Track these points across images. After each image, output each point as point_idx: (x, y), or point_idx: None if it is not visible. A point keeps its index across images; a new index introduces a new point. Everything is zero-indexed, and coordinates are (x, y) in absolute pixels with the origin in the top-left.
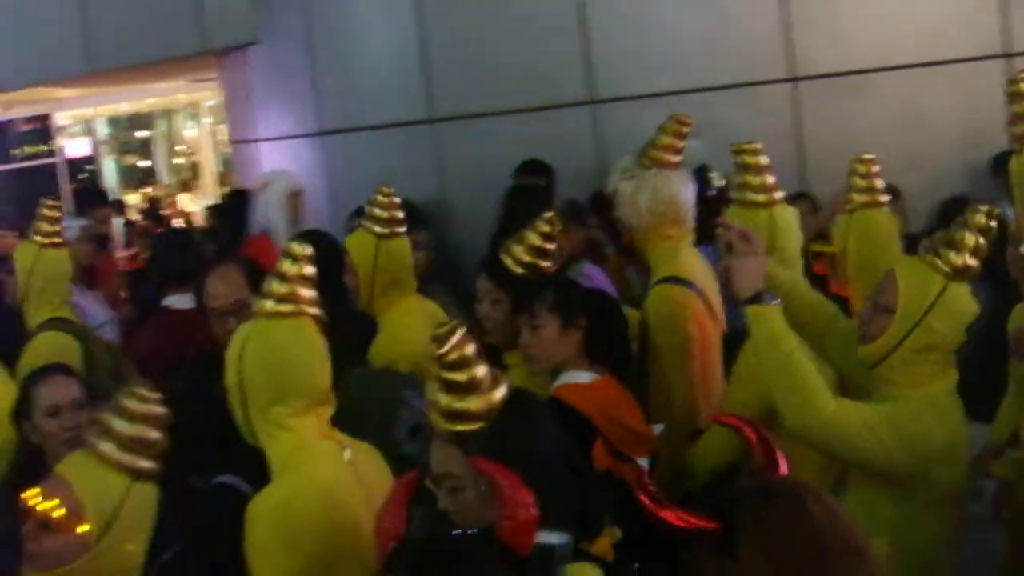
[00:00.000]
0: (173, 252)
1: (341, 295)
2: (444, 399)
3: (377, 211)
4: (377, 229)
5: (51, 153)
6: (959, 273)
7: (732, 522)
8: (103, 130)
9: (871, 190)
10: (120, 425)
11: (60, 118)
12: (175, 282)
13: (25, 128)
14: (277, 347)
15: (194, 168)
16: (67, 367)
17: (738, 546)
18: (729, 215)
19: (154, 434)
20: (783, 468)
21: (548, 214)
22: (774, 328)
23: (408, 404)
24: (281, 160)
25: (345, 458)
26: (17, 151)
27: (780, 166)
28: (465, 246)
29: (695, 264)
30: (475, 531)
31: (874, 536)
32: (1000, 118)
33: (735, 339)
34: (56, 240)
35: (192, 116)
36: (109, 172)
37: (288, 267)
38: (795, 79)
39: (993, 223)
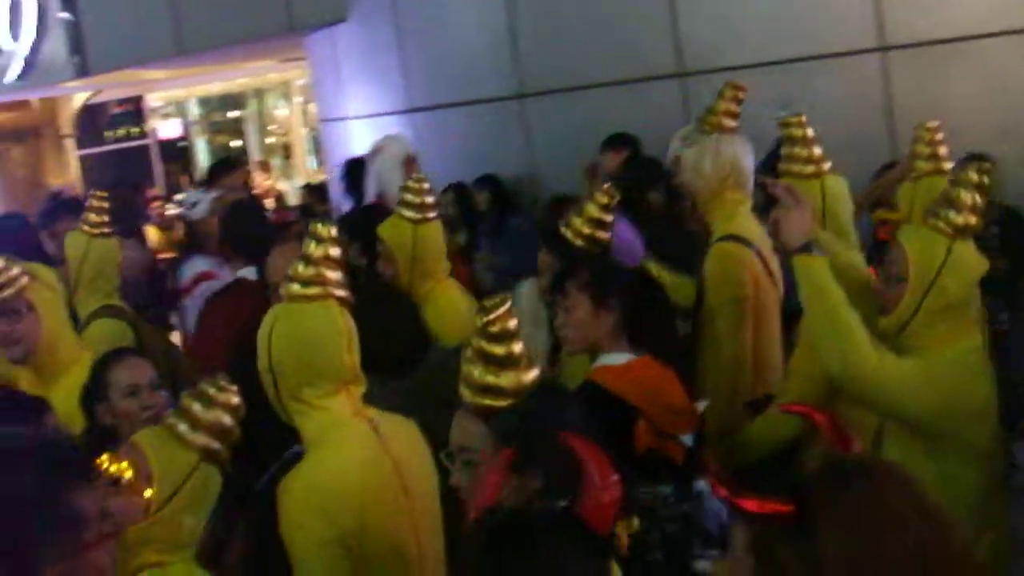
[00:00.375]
0: (244, 224)
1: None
2: (478, 371)
3: (409, 196)
4: (410, 215)
5: (143, 135)
6: (961, 232)
7: (807, 504)
8: (195, 111)
9: (935, 157)
10: (197, 408)
11: (152, 100)
12: (247, 254)
13: (117, 110)
14: (304, 330)
15: (286, 148)
16: (135, 350)
17: (814, 528)
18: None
19: (228, 421)
20: (856, 447)
21: (607, 186)
22: (821, 279)
23: None
24: (370, 138)
25: (376, 434)
26: (110, 133)
27: (870, 137)
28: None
29: (755, 227)
30: (558, 507)
31: None
32: None
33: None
34: (104, 230)
35: (283, 96)
36: (201, 153)
37: (314, 249)
38: (885, 48)
39: (985, 178)
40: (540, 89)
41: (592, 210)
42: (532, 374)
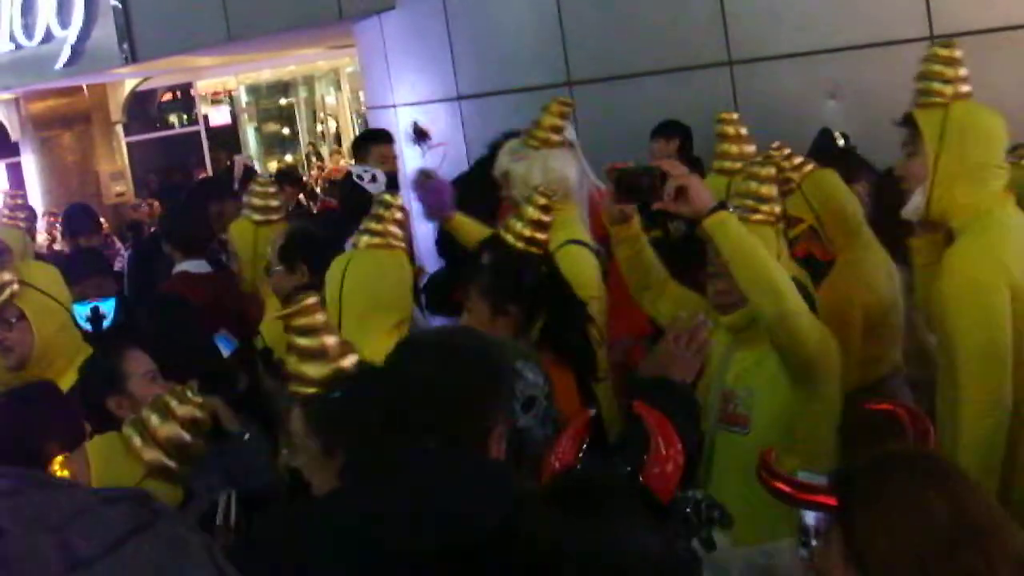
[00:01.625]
0: (185, 221)
1: None
2: (291, 361)
3: (255, 200)
4: (256, 217)
5: (193, 122)
6: (778, 218)
7: (849, 497)
8: (244, 98)
9: None
10: (154, 420)
11: (202, 87)
12: (186, 249)
13: (167, 97)
14: (379, 270)
15: (336, 135)
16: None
17: (853, 521)
18: (707, 182)
19: (186, 436)
20: (931, 440)
21: (542, 187)
22: (740, 230)
23: (521, 376)
24: (420, 123)
25: None
26: (160, 121)
27: None
28: None
29: (586, 232)
30: (623, 473)
31: None
32: None
33: None
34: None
35: (333, 83)
36: (250, 140)
37: (383, 211)
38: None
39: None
40: (587, 77)
41: (531, 212)
42: (347, 363)
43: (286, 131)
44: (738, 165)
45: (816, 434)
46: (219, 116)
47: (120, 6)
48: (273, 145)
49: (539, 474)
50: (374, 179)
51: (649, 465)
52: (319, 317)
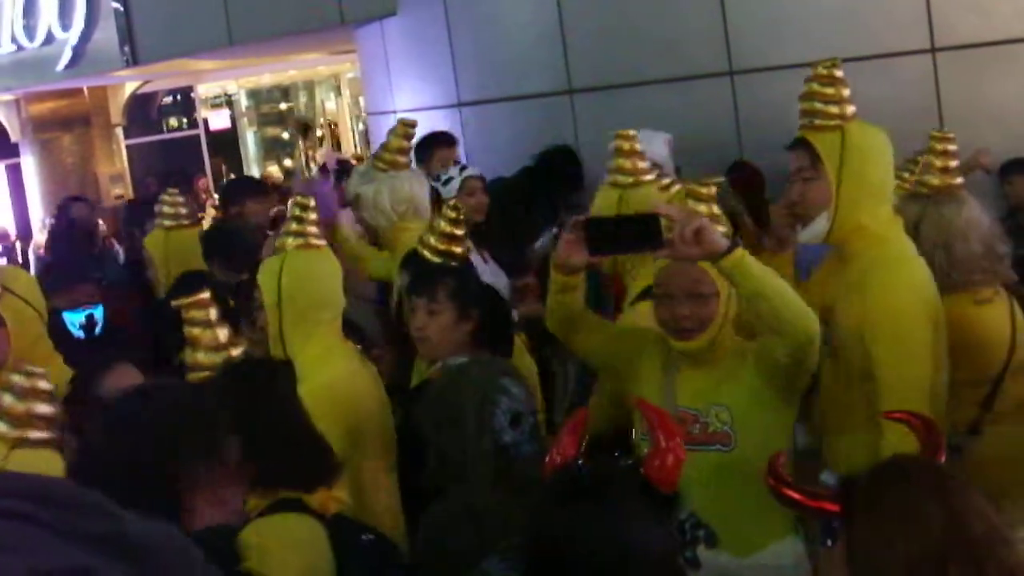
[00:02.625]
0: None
1: None
2: (188, 351)
3: (166, 208)
4: (166, 223)
5: (193, 125)
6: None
7: (850, 504)
8: (244, 102)
9: (946, 171)
10: (7, 400)
11: (203, 91)
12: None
13: (168, 101)
14: (312, 268)
15: (335, 140)
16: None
17: (853, 528)
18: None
19: (45, 408)
20: (940, 457)
21: (453, 200)
22: (758, 265)
23: (507, 391)
24: (419, 131)
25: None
26: (160, 123)
27: (919, 138)
28: None
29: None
30: (626, 466)
31: None
32: None
33: None
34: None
35: (333, 88)
36: (250, 144)
37: (301, 213)
38: (934, 50)
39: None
40: (589, 85)
41: (443, 226)
42: (236, 352)
43: (285, 135)
44: (630, 180)
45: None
46: (219, 120)
47: (121, 9)
48: (272, 149)
49: (528, 490)
50: (446, 183)
51: (650, 458)
52: (212, 311)
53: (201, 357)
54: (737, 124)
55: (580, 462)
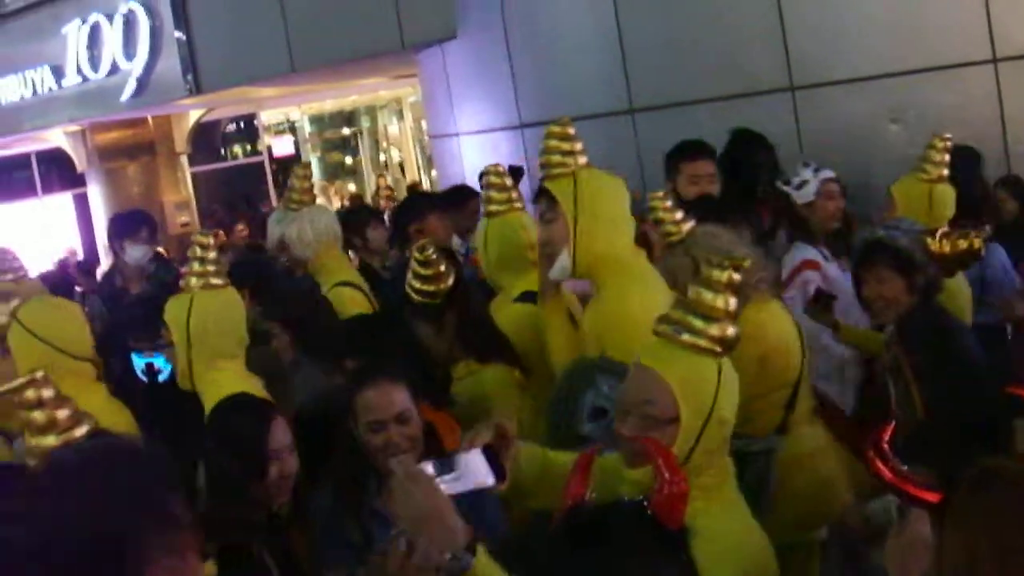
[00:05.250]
0: None
1: None
2: (27, 436)
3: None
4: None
5: (256, 152)
6: (728, 345)
7: (951, 500)
8: (307, 128)
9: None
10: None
11: (266, 118)
12: None
13: (232, 128)
14: (220, 309)
15: (400, 164)
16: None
17: (945, 525)
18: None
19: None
20: None
21: (423, 241)
22: None
23: (597, 387)
24: (481, 154)
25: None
26: (224, 151)
27: (983, 149)
28: None
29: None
30: (634, 503)
31: None
32: None
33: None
34: None
35: (395, 112)
36: (314, 169)
37: (200, 252)
38: (996, 60)
39: (737, 275)
40: (650, 104)
41: (417, 268)
42: (79, 432)
43: (349, 160)
44: (504, 208)
45: None
46: (282, 146)
47: (184, 38)
48: (336, 175)
49: None
50: (800, 187)
51: (656, 494)
52: (46, 392)
53: (42, 441)
54: (799, 139)
55: (587, 502)
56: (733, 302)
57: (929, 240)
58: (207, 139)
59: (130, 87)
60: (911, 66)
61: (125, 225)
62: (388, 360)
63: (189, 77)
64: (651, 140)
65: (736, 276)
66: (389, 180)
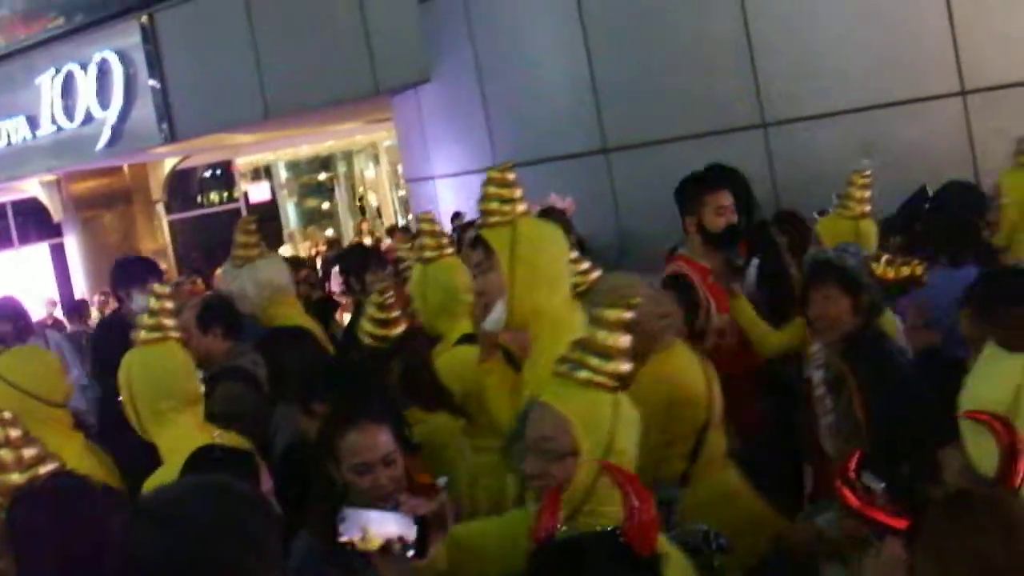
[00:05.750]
0: None
1: None
2: None
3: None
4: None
5: (233, 199)
6: (623, 381)
7: (919, 526)
8: (283, 174)
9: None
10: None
11: (241, 165)
12: None
13: (207, 175)
14: (152, 364)
15: (376, 208)
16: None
17: (915, 551)
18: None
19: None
20: (1015, 483)
21: (382, 285)
22: None
23: None
24: (456, 196)
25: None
26: (201, 198)
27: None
28: (641, 273)
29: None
30: (605, 532)
31: None
32: None
33: None
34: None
35: (371, 157)
36: (290, 215)
37: (155, 304)
38: (965, 92)
39: (628, 314)
40: (624, 143)
41: (372, 311)
42: (44, 470)
43: (326, 205)
44: (436, 254)
45: None
46: (259, 192)
47: (159, 86)
48: (313, 220)
49: None
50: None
51: (627, 522)
52: (13, 432)
53: (8, 478)
54: (772, 174)
55: (559, 533)
56: (626, 340)
57: (874, 264)
58: (183, 186)
59: (105, 136)
60: (881, 100)
61: (135, 273)
62: (372, 400)
63: (164, 125)
64: (625, 179)
65: (627, 315)
66: (375, 224)
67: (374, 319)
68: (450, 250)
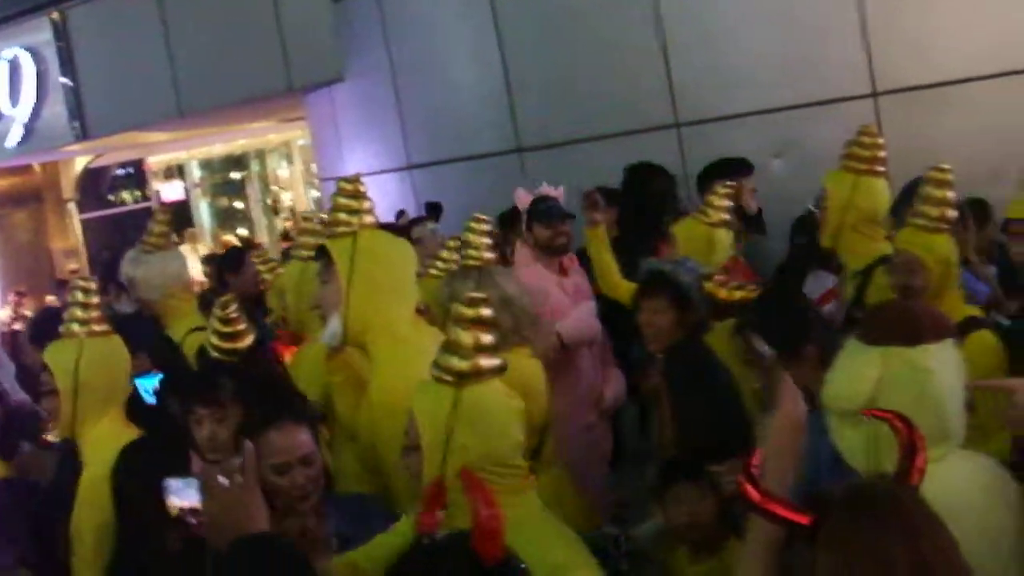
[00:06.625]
0: None
1: None
2: None
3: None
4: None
5: (146, 198)
6: (463, 376)
7: (821, 522)
8: (196, 173)
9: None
10: None
11: (154, 163)
12: None
13: (120, 173)
14: (109, 356)
15: (291, 207)
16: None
17: (816, 548)
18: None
19: None
20: (914, 480)
21: (224, 298)
22: None
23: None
24: (370, 195)
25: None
26: (112, 197)
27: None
28: None
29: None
30: (459, 538)
31: None
32: None
33: None
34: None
35: (285, 156)
36: (203, 214)
37: (83, 298)
38: (876, 94)
39: (485, 311)
40: (538, 143)
41: (217, 325)
42: None
43: (239, 205)
44: (311, 253)
45: None
46: (171, 191)
47: (71, 83)
48: (226, 219)
49: None
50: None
51: (474, 530)
52: None
53: None
54: (685, 174)
55: (429, 535)
56: (484, 337)
57: (708, 283)
58: (95, 185)
59: (16, 134)
60: (793, 101)
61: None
62: (293, 400)
63: (76, 123)
64: (539, 179)
65: (483, 312)
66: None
67: (220, 333)
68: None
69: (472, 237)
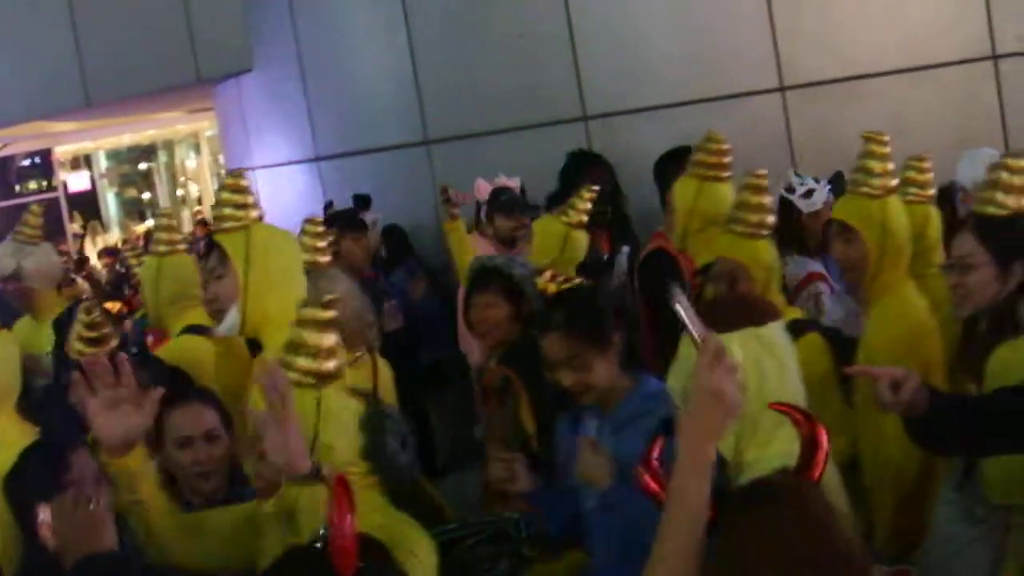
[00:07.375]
0: None
1: None
2: None
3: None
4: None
5: (52, 188)
6: (322, 378)
7: (722, 516)
8: (104, 163)
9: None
10: None
11: (61, 153)
12: None
13: (26, 163)
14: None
15: (198, 198)
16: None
17: (721, 538)
18: None
19: None
20: (815, 475)
21: (86, 304)
22: None
23: (391, 417)
24: (278, 187)
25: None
26: (18, 186)
27: (772, 175)
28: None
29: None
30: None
31: None
32: (988, 121)
33: None
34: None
35: (193, 147)
36: (110, 205)
37: None
38: (784, 88)
39: (329, 313)
40: (446, 135)
41: (82, 331)
42: None
43: (146, 196)
44: (170, 248)
45: None
46: (78, 182)
47: None
48: (133, 210)
49: None
50: (808, 196)
51: (331, 539)
52: None
53: None
54: None
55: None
56: (329, 338)
57: (539, 278)
58: (2, 175)
59: None
60: (701, 95)
61: None
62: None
63: None
64: (447, 171)
65: (327, 314)
66: (163, 218)
67: (83, 337)
68: (182, 246)
69: (306, 240)
